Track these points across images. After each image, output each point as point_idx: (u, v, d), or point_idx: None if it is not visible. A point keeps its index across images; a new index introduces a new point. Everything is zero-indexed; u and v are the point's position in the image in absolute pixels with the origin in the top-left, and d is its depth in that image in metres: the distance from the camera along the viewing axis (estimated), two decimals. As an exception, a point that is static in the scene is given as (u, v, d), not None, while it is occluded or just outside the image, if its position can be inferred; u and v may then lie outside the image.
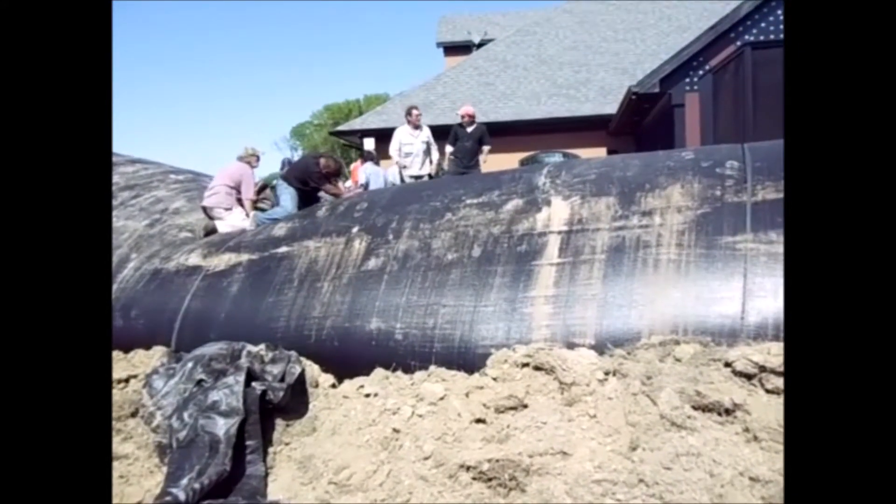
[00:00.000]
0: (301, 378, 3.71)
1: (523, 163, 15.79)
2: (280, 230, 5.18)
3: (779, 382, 2.87)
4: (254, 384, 3.48)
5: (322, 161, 6.69)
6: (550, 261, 3.88)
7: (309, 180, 6.51)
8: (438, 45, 25.93)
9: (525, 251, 4.00)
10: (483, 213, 4.36)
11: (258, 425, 3.37)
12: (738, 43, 12.21)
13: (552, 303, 3.69)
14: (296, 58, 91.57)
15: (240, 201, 6.75)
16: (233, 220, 6.38)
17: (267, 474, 3.30)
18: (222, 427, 3.23)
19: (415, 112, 9.57)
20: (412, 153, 9.50)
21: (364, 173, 10.12)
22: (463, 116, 9.80)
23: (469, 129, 9.76)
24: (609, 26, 20.25)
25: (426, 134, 9.67)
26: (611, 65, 18.41)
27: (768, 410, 2.77)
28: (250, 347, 3.83)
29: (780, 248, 3.42)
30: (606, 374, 3.23)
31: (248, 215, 6.60)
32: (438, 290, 4.01)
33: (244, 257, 4.95)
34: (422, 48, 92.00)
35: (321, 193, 6.61)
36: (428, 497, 2.90)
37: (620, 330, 3.50)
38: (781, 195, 3.66)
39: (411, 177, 9.45)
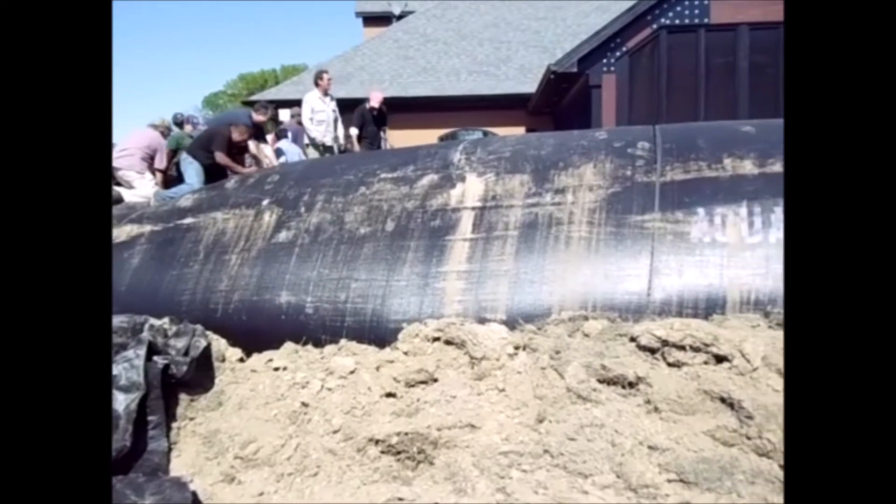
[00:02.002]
0: (207, 352, 3.60)
1: (442, 139, 15.74)
2: (186, 201, 4.99)
3: (679, 356, 2.97)
4: (156, 358, 3.35)
5: (233, 129, 6.42)
6: (464, 236, 3.88)
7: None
8: (357, 15, 25.47)
9: (439, 226, 3.99)
10: (397, 188, 4.32)
11: (160, 400, 3.25)
12: (655, 26, 12.48)
13: (465, 278, 3.70)
14: (209, 25, 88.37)
15: (152, 171, 6.60)
16: (143, 190, 6.13)
17: (170, 450, 3.20)
18: (122, 402, 3.10)
19: (325, 76, 9.29)
20: (324, 121, 9.20)
21: (281, 151, 9.90)
22: (378, 102, 9.88)
23: (375, 112, 9.86)
24: (529, 3, 20.32)
25: (334, 103, 9.44)
26: (531, 43, 18.54)
27: (669, 382, 2.87)
28: (153, 321, 3.69)
29: (686, 228, 3.54)
30: (516, 348, 3.27)
31: (159, 185, 6.43)
32: (351, 264, 3.96)
33: (147, 228, 4.75)
34: (341, 18, 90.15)
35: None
36: (336, 470, 2.88)
37: (531, 305, 3.54)
38: (689, 176, 3.77)
39: (323, 146, 9.21)
